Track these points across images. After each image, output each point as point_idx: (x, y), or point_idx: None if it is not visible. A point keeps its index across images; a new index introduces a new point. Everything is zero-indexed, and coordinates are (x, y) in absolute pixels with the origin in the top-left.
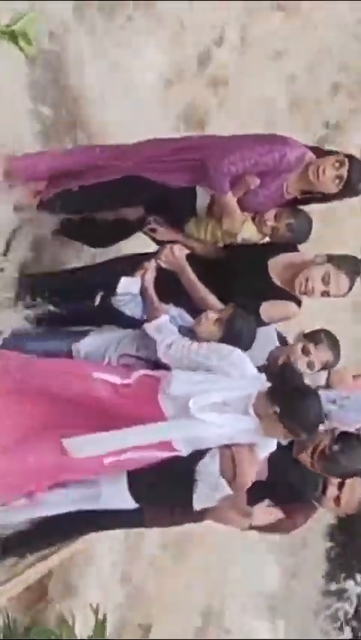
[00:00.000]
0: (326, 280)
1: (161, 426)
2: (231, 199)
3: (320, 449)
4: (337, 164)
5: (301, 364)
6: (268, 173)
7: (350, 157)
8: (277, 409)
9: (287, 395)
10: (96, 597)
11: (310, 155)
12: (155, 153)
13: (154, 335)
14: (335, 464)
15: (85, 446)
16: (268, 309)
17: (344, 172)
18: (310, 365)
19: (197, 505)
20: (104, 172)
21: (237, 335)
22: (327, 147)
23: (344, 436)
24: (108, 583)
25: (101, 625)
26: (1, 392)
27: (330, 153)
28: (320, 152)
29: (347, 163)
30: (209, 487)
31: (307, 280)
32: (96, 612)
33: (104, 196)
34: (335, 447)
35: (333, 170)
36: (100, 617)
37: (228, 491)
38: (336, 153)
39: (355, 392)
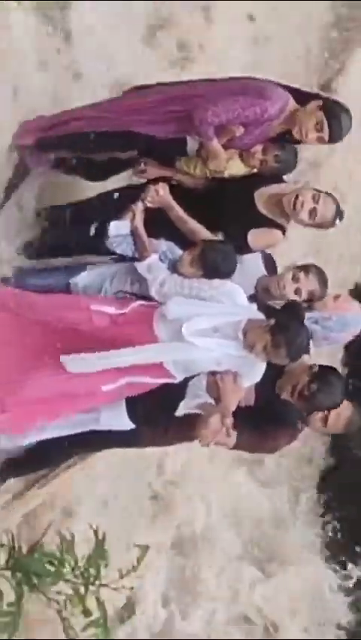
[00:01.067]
0: (315, 198)
1: (154, 347)
2: (216, 144)
3: (299, 390)
4: (318, 126)
5: (289, 290)
6: (251, 123)
7: (328, 106)
8: (273, 322)
9: (287, 315)
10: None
11: (291, 105)
12: (140, 104)
13: (146, 275)
14: (315, 402)
15: (82, 361)
16: (254, 236)
17: (325, 132)
18: (297, 291)
19: (179, 411)
20: (100, 123)
21: (213, 267)
22: None
23: (322, 372)
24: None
25: (100, 544)
26: (2, 328)
27: (312, 97)
28: (301, 96)
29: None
30: (191, 396)
31: (296, 197)
32: (96, 533)
33: (100, 144)
34: (313, 386)
35: (314, 133)
36: (100, 537)
37: (207, 398)
38: (318, 97)
39: (336, 312)
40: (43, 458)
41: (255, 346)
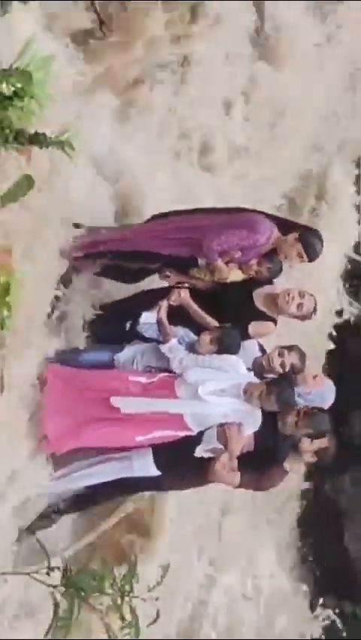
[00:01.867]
0: (301, 295)
1: (177, 402)
2: (220, 263)
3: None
4: (298, 254)
5: (276, 363)
6: (246, 248)
7: (304, 238)
8: (268, 379)
9: (280, 377)
10: None
11: (275, 234)
12: (160, 232)
13: (168, 354)
14: (314, 422)
15: (128, 403)
16: (254, 327)
17: (305, 257)
18: (282, 364)
19: (197, 453)
20: (130, 244)
21: (226, 347)
22: None
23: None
24: None
25: (133, 565)
26: (62, 395)
27: (291, 226)
28: (284, 224)
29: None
30: (206, 443)
31: (288, 293)
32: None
33: (135, 258)
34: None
35: (296, 259)
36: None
37: (216, 444)
38: (296, 226)
39: (315, 388)
40: (92, 499)
41: (252, 394)
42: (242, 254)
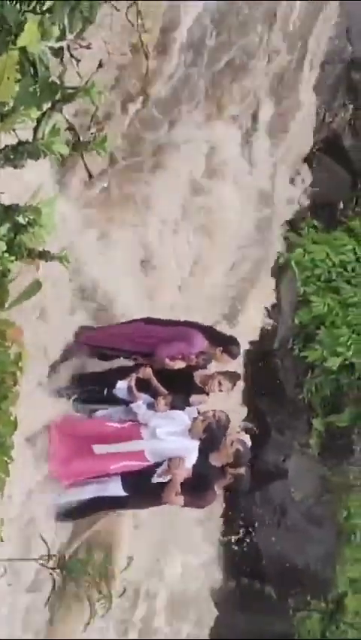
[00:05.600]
0: (220, 382)
1: (141, 442)
2: (168, 362)
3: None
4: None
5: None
6: (185, 354)
7: (227, 350)
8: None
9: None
10: None
11: (205, 344)
12: (135, 333)
13: (136, 410)
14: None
15: (103, 447)
16: (194, 397)
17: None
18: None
19: (154, 479)
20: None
21: (175, 405)
22: None
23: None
24: None
25: (108, 555)
26: (66, 437)
27: (217, 338)
28: (213, 338)
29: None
30: (159, 473)
31: (212, 377)
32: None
33: (114, 353)
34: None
35: (222, 358)
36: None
37: (168, 475)
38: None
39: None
40: (85, 510)
41: (195, 430)
42: (182, 355)
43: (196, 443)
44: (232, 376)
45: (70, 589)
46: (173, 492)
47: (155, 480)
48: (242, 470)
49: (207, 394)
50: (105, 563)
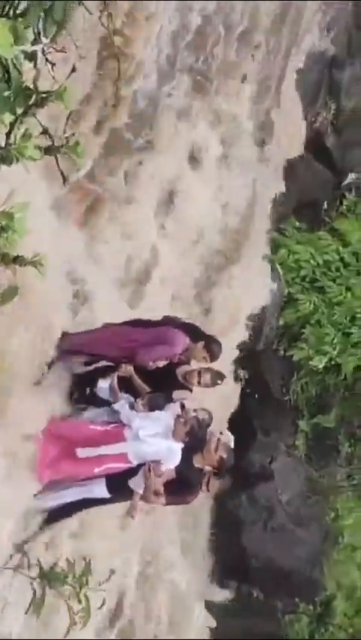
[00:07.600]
0: (200, 374)
1: (124, 444)
2: (151, 364)
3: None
4: (204, 358)
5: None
6: (169, 355)
7: (208, 346)
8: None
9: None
10: None
11: (187, 343)
12: (116, 338)
13: (118, 409)
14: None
15: (86, 451)
16: (177, 394)
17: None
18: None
19: (131, 484)
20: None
21: (155, 405)
22: None
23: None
24: None
25: (88, 566)
26: (54, 438)
27: (199, 335)
28: (195, 336)
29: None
30: (141, 474)
31: (192, 372)
32: (85, 559)
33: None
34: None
35: (203, 361)
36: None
37: (145, 480)
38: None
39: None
40: (71, 511)
41: (177, 434)
42: (165, 357)
43: (180, 445)
44: (217, 374)
45: (51, 597)
46: (150, 494)
47: (131, 486)
48: (225, 481)
49: (191, 390)
50: (86, 574)
